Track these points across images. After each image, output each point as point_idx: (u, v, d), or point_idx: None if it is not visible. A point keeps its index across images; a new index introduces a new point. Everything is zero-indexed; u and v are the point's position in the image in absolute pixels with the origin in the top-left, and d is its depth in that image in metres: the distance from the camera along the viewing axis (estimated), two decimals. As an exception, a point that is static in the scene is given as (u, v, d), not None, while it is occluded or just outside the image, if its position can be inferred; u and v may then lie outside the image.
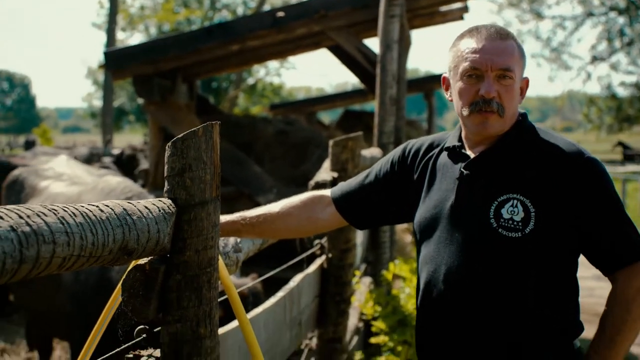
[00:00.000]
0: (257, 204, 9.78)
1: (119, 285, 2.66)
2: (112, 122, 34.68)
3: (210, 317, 2.24)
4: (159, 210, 2.10)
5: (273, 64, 40.21)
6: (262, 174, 9.91)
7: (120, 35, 39.51)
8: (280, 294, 3.61)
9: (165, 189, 2.23)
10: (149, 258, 2.17)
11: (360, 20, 9.32)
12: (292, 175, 10.26)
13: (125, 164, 11.97)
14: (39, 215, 1.61)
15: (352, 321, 5.60)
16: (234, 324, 2.80)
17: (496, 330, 2.49)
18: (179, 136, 2.20)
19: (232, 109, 34.96)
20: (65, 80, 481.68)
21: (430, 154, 2.75)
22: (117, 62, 9.81)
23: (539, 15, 47.80)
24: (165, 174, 2.23)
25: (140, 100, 38.32)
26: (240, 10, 43.02)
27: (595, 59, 47.45)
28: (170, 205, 2.18)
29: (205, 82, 37.26)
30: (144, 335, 2.30)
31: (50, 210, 1.67)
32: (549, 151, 2.49)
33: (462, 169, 2.60)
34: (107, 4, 40.14)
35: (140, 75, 9.78)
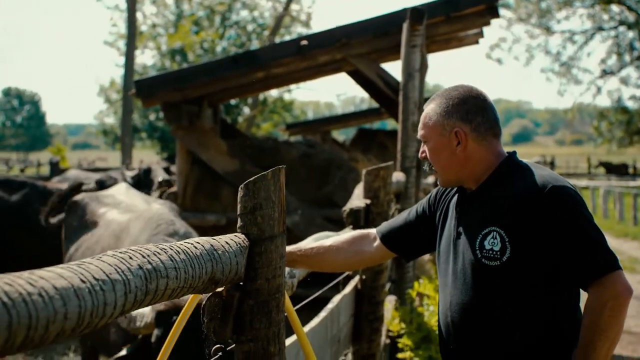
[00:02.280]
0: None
1: (182, 312, 3.01)
2: (131, 143, 34.93)
3: (278, 337, 2.54)
4: (237, 245, 2.42)
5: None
6: (286, 195, 10.11)
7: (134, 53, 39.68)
8: (322, 314, 3.92)
9: (238, 225, 2.54)
10: (226, 286, 2.48)
11: (380, 48, 9.61)
12: (315, 197, 10.51)
13: (144, 179, 12.18)
14: (155, 255, 1.94)
15: (381, 338, 5.85)
16: (288, 341, 3.11)
17: (491, 348, 2.84)
18: (251, 179, 2.51)
19: (250, 128, 35.20)
20: (74, 96, 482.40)
21: (450, 194, 3.15)
22: (147, 90, 10.11)
23: (549, 30, 47.91)
24: (239, 212, 2.54)
25: (152, 117, 38.03)
26: (250, 27, 43.31)
27: (605, 73, 47.46)
28: (244, 239, 2.49)
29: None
30: (220, 354, 2.60)
31: (162, 250, 2.00)
32: (522, 185, 2.80)
33: (456, 208, 3.02)
34: (122, 24, 40.40)
35: (169, 101, 10.12)
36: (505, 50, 56.27)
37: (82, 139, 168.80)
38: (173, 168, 13.86)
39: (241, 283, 2.49)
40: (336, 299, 4.31)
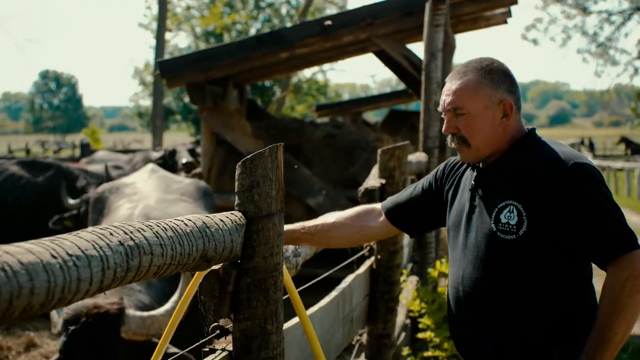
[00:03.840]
0: (306, 206, 10.11)
1: (187, 290, 3.01)
2: (162, 125, 35.04)
3: (276, 315, 2.54)
4: (232, 222, 2.41)
5: (318, 63, 40.27)
6: (311, 176, 10.14)
7: (167, 35, 39.77)
8: (333, 293, 3.90)
9: (235, 202, 2.54)
10: (222, 264, 2.47)
11: (405, 28, 9.55)
12: (340, 178, 10.49)
13: (168, 160, 12.22)
14: (139, 231, 1.93)
15: (400, 318, 5.83)
16: (294, 321, 3.10)
17: (503, 323, 2.81)
18: (248, 156, 2.50)
19: (280, 109, 35.20)
20: (111, 79, 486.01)
21: (461, 168, 3.11)
22: (170, 70, 10.12)
23: (585, 10, 47.30)
24: (236, 190, 2.53)
25: (186, 99, 38.16)
26: (284, 10, 43.19)
27: (642, 54, 46.92)
28: (241, 217, 2.49)
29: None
30: (218, 332, 2.60)
31: (147, 227, 1.99)
32: (542, 161, 2.76)
33: (472, 181, 2.96)
34: (155, 6, 40.47)
35: (193, 82, 10.12)
36: (541, 31, 55.54)
37: (118, 121, 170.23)
38: (199, 149, 13.90)
39: (238, 261, 2.49)
40: (349, 278, 4.30)
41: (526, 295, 2.76)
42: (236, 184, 2.53)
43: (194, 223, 2.22)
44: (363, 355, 4.99)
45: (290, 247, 3.21)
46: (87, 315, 4.62)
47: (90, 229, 1.80)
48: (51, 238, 1.62)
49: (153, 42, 41.79)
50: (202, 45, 40.73)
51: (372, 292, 4.88)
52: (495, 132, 2.86)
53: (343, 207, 8.56)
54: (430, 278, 6.74)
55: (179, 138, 54.26)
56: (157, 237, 1.98)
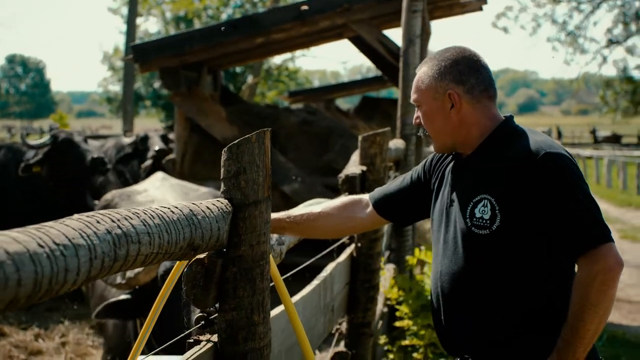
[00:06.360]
0: (282, 193, 10.03)
1: (168, 280, 2.93)
2: (132, 110, 34.69)
3: (262, 306, 2.47)
4: (219, 210, 2.34)
5: (288, 49, 40.14)
6: (286, 163, 10.08)
7: (137, 20, 39.43)
8: (315, 282, 3.84)
9: (221, 189, 2.46)
10: (208, 253, 2.40)
11: (382, 13, 9.47)
12: (316, 165, 10.42)
13: (140, 147, 12.13)
14: (126, 219, 1.85)
15: (377, 306, 5.80)
16: (278, 310, 3.04)
17: (479, 317, 2.78)
18: (235, 142, 2.42)
19: (252, 96, 35.04)
20: (79, 64, 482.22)
21: (447, 161, 3.06)
22: (144, 55, 9.98)
23: (555, -1, 47.52)
24: (222, 176, 2.45)
25: (156, 85, 37.93)
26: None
27: (611, 42, 47.10)
28: (227, 204, 2.41)
29: (222, 68, 37.20)
30: (202, 322, 2.53)
31: (134, 214, 1.91)
32: (514, 153, 2.72)
33: (450, 174, 2.94)
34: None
35: (167, 67, 10.00)
36: (511, 19, 55.82)
37: (86, 106, 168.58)
38: (172, 135, 13.78)
39: (224, 250, 2.42)
40: (330, 267, 4.24)
41: (502, 289, 2.73)
42: (222, 170, 2.45)
43: (181, 210, 2.15)
44: (342, 344, 4.94)
45: (275, 236, 3.15)
46: None
47: (76, 216, 1.71)
48: (37, 226, 1.53)
49: (123, 26, 41.52)
50: (172, 31, 40.44)
51: (352, 280, 4.83)
52: (450, 123, 2.84)
53: (319, 194, 8.57)
54: (409, 266, 6.70)
55: (149, 124, 53.91)
56: (145, 225, 1.90)
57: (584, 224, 2.60)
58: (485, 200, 2.71)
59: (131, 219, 1.87)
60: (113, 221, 1.79)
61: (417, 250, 6.51)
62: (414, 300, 6.07)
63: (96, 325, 5.85)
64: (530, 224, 2.65)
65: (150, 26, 50.16)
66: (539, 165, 2.63)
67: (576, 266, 2.72)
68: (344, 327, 4.95)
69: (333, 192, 9.16)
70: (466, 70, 2.83)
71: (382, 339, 6.00)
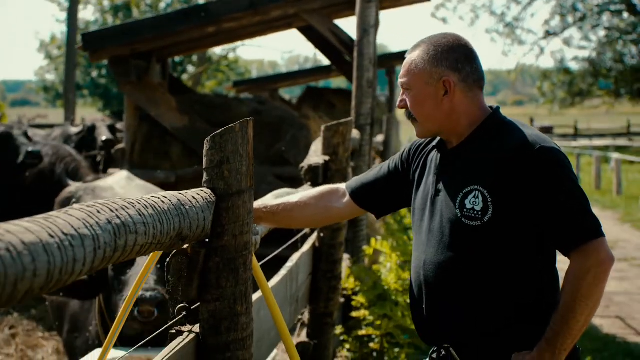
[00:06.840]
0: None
1: (142, 271, 2.90)
2: (74, 99, 34.13)
3: (245, 296, 2.47)
4: (203, 200, 2.32)
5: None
6: (237, 153, 9.98)
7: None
8: (282, 272, 3.84)
9: (204, 179, 2.44)
10: (190, 243, 2.38)
11: (334, 3, 9.45)
12: (267, 154, 10.35)
13: (87, 137, 11.96)
14: (124, 209, 1.83)
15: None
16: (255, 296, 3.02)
17: (465, 308, 2.78)
18: (218, 131, 2.41)
19: (197, 86, 34.83)
20: (13, 52, 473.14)
21: (427, 149, 3.03)
22: (94, 43, 9.84)
23: (494, -10, 47.89)
24: (205, 166, 2.44)
25: (94, 74, 37.41)
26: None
27: (548, 34, 47.63)
28: (211, 194, 2.40)
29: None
30: (185, 313, 2.50)
31: (129, 204, 1.89)
32: (508, 145, 2.72)
33: (437, 164, 2.91)
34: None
35: (117, 56, 9.87)
36: (450, 10, 56.32)
37: (21, 95, 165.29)
38: (119, 125, 13.59)
39: (206, 240, 2.41)
40: (295, 256, 4.23)
41: (493, 280, 2.73)
42: (204, 159, 2.44)
43: (170, 200, 2.14)
44: (304, 334, 4.94)
45: (250, 226, 3.13)
46: None
47: (77, 206, 1.69)
48: (44, 216, 1.51)
49: (60, 15, 40.80)
50: (110, 19, 40.01)
51: (315, 270, 4.84)
52: (440, 109, 2.80)
53: (270, 184, 8.56)
54: (365, 256, 6.72)
55: (87, 113, 53.12)
56: (140, 215, 1.89)
57: (578, 219, 2.63)
58: (477, 192, 2.70)
59: (128, 209, 1.86)
60: (112, 211, 1.77)
61: (373, 241, 6.52)
62: (371, 291, 6.09)
63: (54, 306, 5.67)
64: (522, 216, 2.66)
65: (87, 14, 49.33)
66: (534, 159, 2.64)
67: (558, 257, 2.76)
68: (306, 317, 4.95)
69: (283, 182, 9.14)
70: (462, 58, 2.81)
71: (338, 329, 6.00)
